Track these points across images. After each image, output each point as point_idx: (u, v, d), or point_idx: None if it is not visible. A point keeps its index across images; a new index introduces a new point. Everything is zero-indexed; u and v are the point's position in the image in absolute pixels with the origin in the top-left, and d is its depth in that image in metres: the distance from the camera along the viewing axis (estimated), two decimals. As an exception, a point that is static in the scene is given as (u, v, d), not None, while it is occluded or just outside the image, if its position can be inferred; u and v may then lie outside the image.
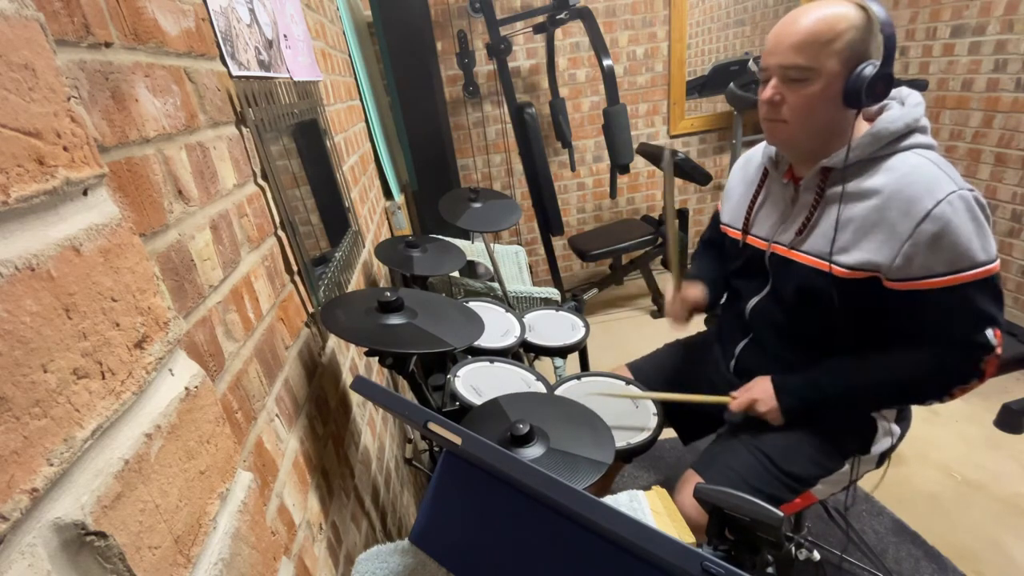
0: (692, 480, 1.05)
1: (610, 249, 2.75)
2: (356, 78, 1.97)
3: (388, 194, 2.25)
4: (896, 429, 1.07)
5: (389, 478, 1.29)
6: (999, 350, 0.86)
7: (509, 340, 1.25)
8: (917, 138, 0.90)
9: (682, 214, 2.95)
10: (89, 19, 0.42)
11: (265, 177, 0.79)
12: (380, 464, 1.23)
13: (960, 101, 2.54)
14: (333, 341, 1.03)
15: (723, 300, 1.28)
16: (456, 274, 1.84)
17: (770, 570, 0.64)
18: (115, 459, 0.30)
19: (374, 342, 0.81)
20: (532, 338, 1.33)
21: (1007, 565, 1.44)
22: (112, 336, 0.31)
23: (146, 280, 0.36)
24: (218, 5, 0.70)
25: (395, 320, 0.86)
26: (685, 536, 0.66)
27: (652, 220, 2.96)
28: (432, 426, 0.52)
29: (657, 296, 3.05)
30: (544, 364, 2.45)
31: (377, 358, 0.87)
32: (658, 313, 3.02)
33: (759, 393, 1.04)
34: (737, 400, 1.06)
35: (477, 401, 0.97)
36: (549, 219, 2.75)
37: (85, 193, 0.32)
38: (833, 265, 0.92)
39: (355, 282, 1.31)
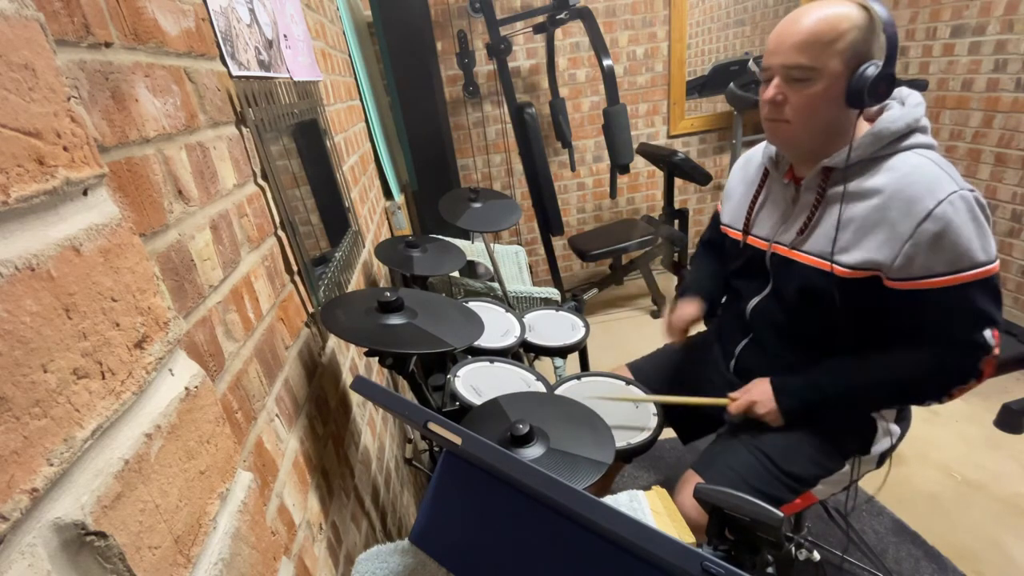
0: (692, 480, 1.05)
1: (610, 249, 2.75)
2: (356, 78, 1.97)
3: (388, 194, 2.25)
4: (896, 429, 1.07)
5: (389, 478, 1.29)
6: (997, 350, 0.86)
7: (509, 340, 1.25)
8: (918, 138, 0.90)
9: (682, 214, 2.95)
10: (89, 19, 0.42)
11: (265, 177, 0.79)
12: (380, 464, 1.23)
13: (960, 101, 2.54)
14: (333, 341, 1.03)
15: (723, 300, 1.28)
16: (456, 274, 1.84)
17: (770, 570, 0.64)
18: (115, 459, 0.30)
19: (374, 342, 0.81)
20: (532, 338, 1.33)
21: (1007, 565, 1.44)
22: (112, 336, 0.31)
23: (146, 280, 0.36)
24: (218, 5, 0.70)
25: (395, 320, 0.86)
26: (685, 536, 0.66)
27: (652, 220, 2.96)
28: (432, 426, 0.52)
29: (657, 296, 3.05)
30: (544, 364, 2.45)
31: (377, 358, 0.87)
32: (658, 313, 3.02)
33: (758, 395, 1.04)
34: (735, 402, 1.06)
35: (477, 401, 0.97)
36: (549, 219, 2.75)
37: (85, 193, 0.32)
38: (835, 265, 0.92)
39: (355, 282, 1.31)
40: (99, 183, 0.33)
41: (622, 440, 0.97)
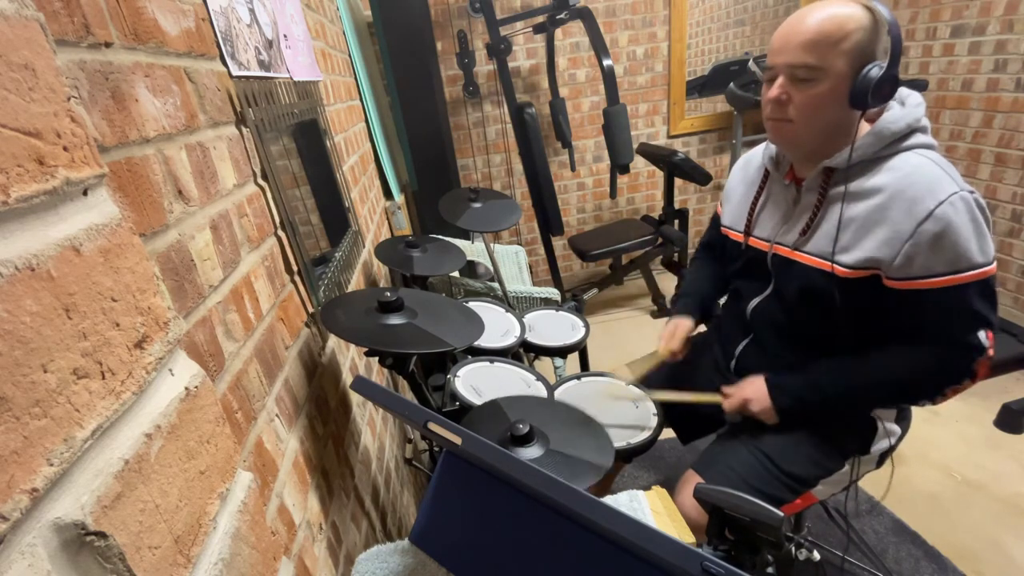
0: (692, 480, 1.05)
1: (610, 249, 2.75)
2: (356, 78, 1.97)
3: (388, 194, 2.25)
4: (896, 429, 1.07)
5: (389, 478, 1.29)
6: (991, 351, 0.87)
7: (509, 340, 1.25)
8: (918, 138, 0.90)
9: (682, 214, 2.95)
10: (89, 19, 0.42)
11: (265, 177, 0.79)
12: (380, 464, 1.23)
13: (960, 101, 2.54)
14: (333, 341, 1.03)
15: (723, 301, 1.28)
16: (456, 274, 1.84)
17: (770, 570, 0.64)
18: (115, 459, 0.30)
19: (374, 342, 0.81)
20: (532, 338, 1.33)
21: (1007, 565, 1.44)
22: (112, 336, 0.31)
23: (146, 280, 0.36)
24: (218, 5, 0.70)
25: (395, 320, 0.86)
26: (685, 536, 0.66)
27: (652, 220, 2.96)
28: (432, 426, 0.52)
29: (657, 296, 3.05)
30: (544, 364, 2.45)
31: (377, 358, 0.87)
32: (658, 313, 3.02)
33: (752, 392, 1.04)
34: (730, 400, 1.06)
35: (477, 401, 0.97)
36: (549, 219, 2.75)
37: (85, 193, 0.32)
38: (835, 265, 0.92)
39: (355, 282, 1.31)
40: (99, 183, 0.33)
41: (622, 440, 0.97)
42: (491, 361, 1.15)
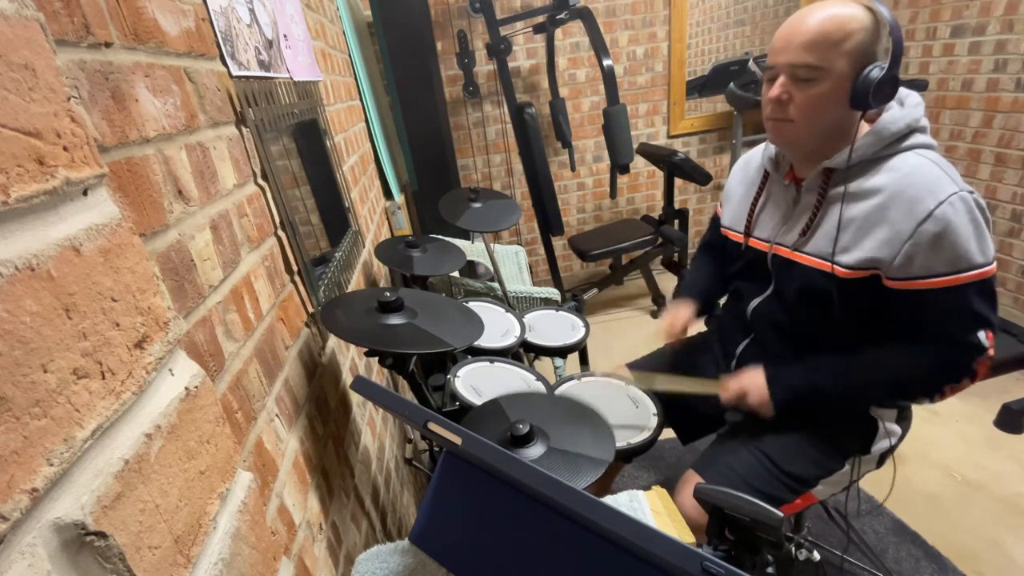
0: (692, 480, 1.05)
1: (610, 249, 2.75)
2: (356, 78, 1.97)
3: (388, 194, 2.25)
4: (897, 429, 1.07)
5: (389, 478, 1.29)
6: (991, 351, 0.87)
7: (509, 340, 1.25)
8: (918, 138, 0.90)
9: (682, 214, 2.95)
10: (89, 19, 0.42)
11: (265, 177, 0.79)
12: (380, 464, 1.23)
13: (960, 101, 2.54)
14: (333, 341, 1.03)
15: (724, 301, 1.28)
16: (456, 274, 1.84)
17: (770, 570, 0.64)
18: (115, 459, 0.30)
19: (374, 342, 0.81)
20: (532, 338, 1.33)
21: (1007, 565, 1.44)
22: (112, 336, 0.31)
23: (146, 280, 0.36)
24: (218, 5, 0.70)
25: (395, 320, 0.86)
26: (685, 536, 0.66)
27: (652, 220, 2.96)
28: (432, 426, 0.52)
29: (657, 296, 3.05)
30: (544, 364, 2.45)
31: (377, 358, 0.87)
32: (658, 313, 3.02)
33: (750, 384, 1.03)
34: (727, 391, 1.05)
35: (477, 401, 0.97)
36: (549, 219, 2.75)
37: (85, 193, 0.32)
38: (835, 266, 0.92)
39: (355, 282, 1.31)
40: (99, 183, 0.33)
41: (622, 440, 0.96)
42: (491, 361, 1.15)
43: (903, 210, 0.85)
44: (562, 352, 1.34)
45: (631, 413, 1.06)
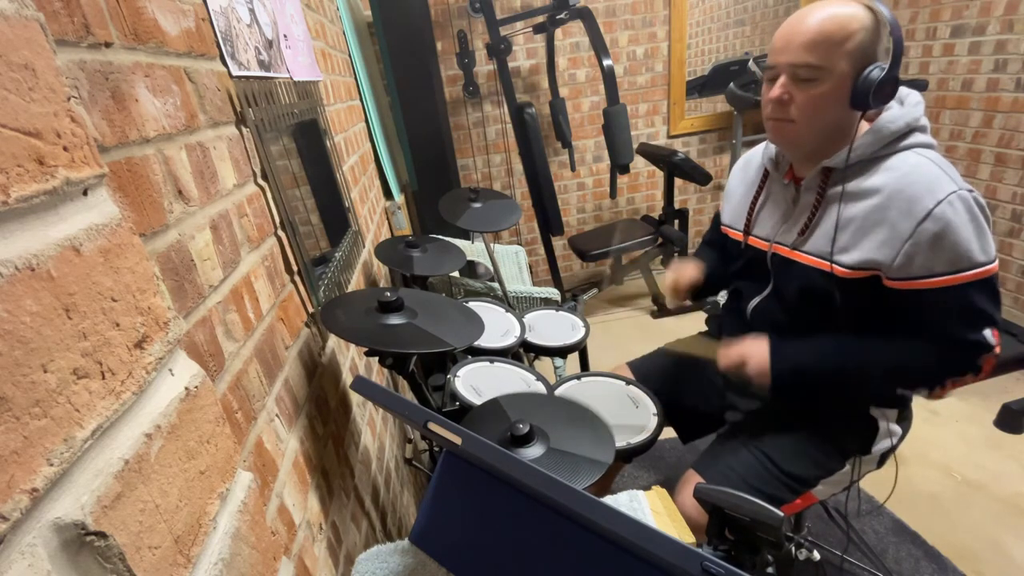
0: (692, 480, 1.05)
1: (610, 249, 2.75)
2: (356, 78, 1.97)
3: (388, 194, 2.25)
4: (897, 429, 1.07)
5: (389, 478, 1.29)
6: (998, 349, 0.86)
7: (509, 340, 1.25)
8: (917, 137, 0.90)
9: (682, 214, 2.95)
10: (89, 19, 0.42)
11: (265, 177, 0.79)
12: (380, 464, 1.23)
13: (960, 101, 2.54)
14: (333, 341, 1.03)
15: (724, 301, 1.28)
16: (456, 274, 1.84)
17: (770, 570, 0.64)
18: (115, 459, 0.30)
19: (374, 342, 0.81)
20: (532, 338, 1.33)
21: (1007, 565, 1.44)
22: (112, 336, 0.31)
23: (146, 280, 0.36)
24: (218, 5, 0.70)
25: (395, 320, 0.86)
26: (685, 536, 0.66)
27: (652, 220, 2.96)
28: (432, 426, 0.52)
29: (657, 296, 3.05)
30: (544, 364, 2.45)
31: (377, 358, 0.87)
32: (658, 313, 3.02)
33: (751, 351, 1.00)
34: (727, 354, 1.02)
35: (477, 401, 0.97)
36: (549, 219, 2.75)
37: (85, 193, 0.32)
38: (834, 265, 0.92)
39: (355, 282, 1.31)
40: (99, 183, 0.33)
41: (622, 440, 0.96)
42: (491, 361, 1.15)
43: (902, 210, 0.85)
44: (562, 352, 1.34)
45: (631, 413, 1.06)
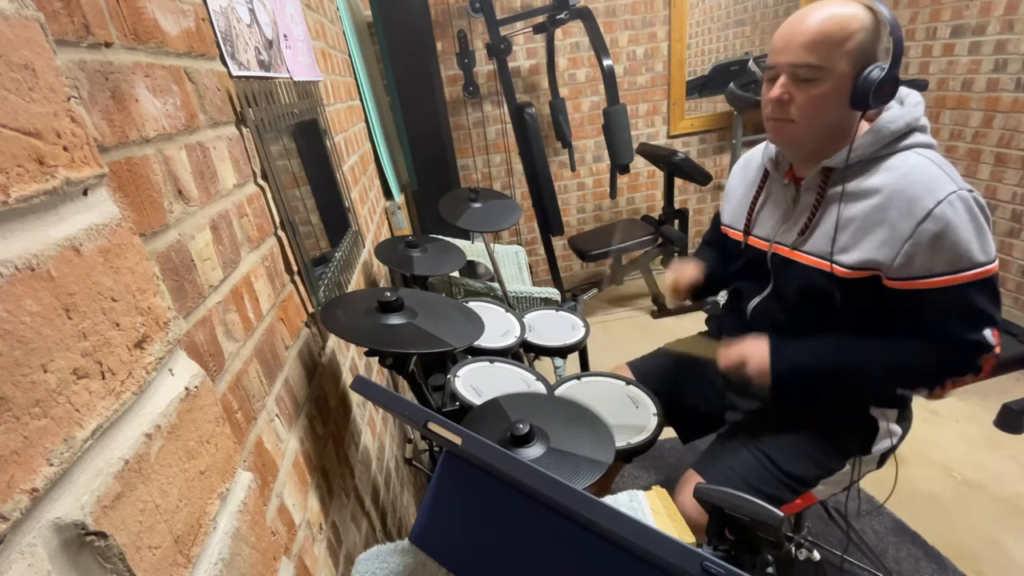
0: (692, 480, 1.05)
1: (610, 249, 2.75)
2: (356, 78, 1.97)
3: (388, 194, 2.25)
4: (897, 430, 1.07)
5: (389, 478, 1.29)
6: (998, 349, 0.86)
7: (509, 340, 1.25)
8: (917, 137, 0.90)
9: (682, 214, 2.95)
10: (89, 19, 0.42)
11: (265, 177, 0.79)
12: (380, 464, 1.23)
13: (960, 101, 2.54)
14: (333, 341, 1.03)
15: (724, 302, 1.28)
16: (456, 274, 1.84)
17: (770, 570, 0.64)
18: (115, 459, 0.30)
19: (374, 342, 0.81)
20: (532, 338, 1.33)
21: (1007, 565, 1.44)
22: (112, 336, 0.31)
23: (146, 280, 0.36)
24: (218, 5, 0.70)
25: (395, 320, 0.86)
26: (685, 536, 0.66)
27: (652, 220, 2.96)
28: (432, 426, 0.52)
29: (657, 296, 3.05)
30: (544, 364, 2.45)
31: (377, 358, 0.87)
32: (658, 313, 3.02)
33: (751, 351, 1.00)
34: (727, 354, 1.02)
35: (477, 401, 0.97)
36: (549, 219, 2.75)
37: (85, 193, 0.32)
38: (834, 265, 0.92)
39: (355, 282, 1.31)
40: (99, 183, 0.33)
41: (622, 440, 0.96)
42: (491, 361, 1.15)
43: (902, 210, 0.85)
44: (562, 352, 1.34)
45: (631, 413, 1.06)
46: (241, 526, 0.42)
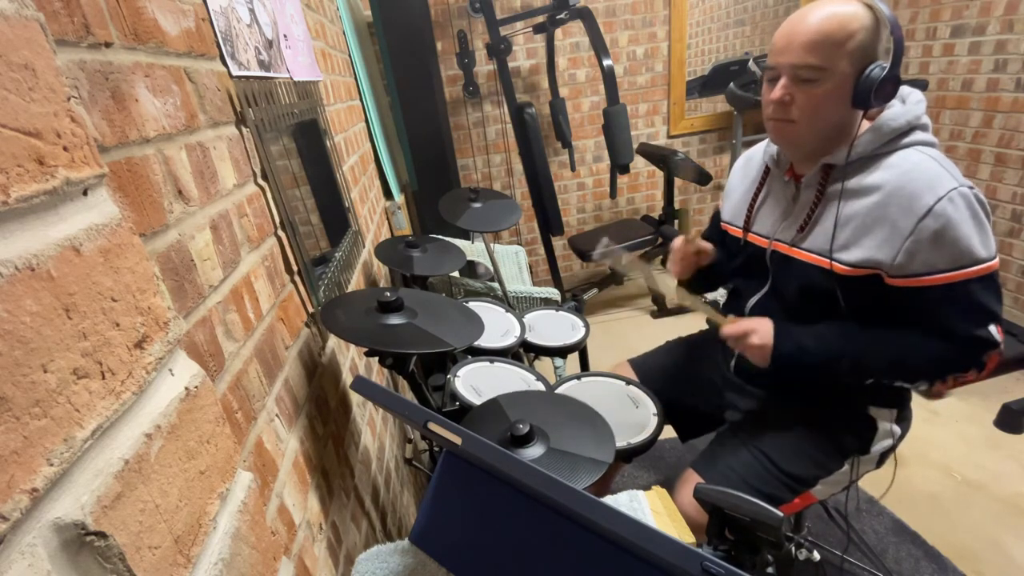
0: (692, 480, 1.05)
1: (610, 250, 2.75)
2: (356, 78, 1.97)
3: (388, 194, 2.25)
4: (896, 429, 1.07)
5: (389, 478, 1.29)
6: (1002, 345, 0.86)
7: (509, 340, 1.25)
8: (918, 135, 0.90)
9: (682, 214, 2.95)
10: (89, 19, 0.42)
11: (265, 177, 0.79)
12: (380, 464, 1.23)
13: (960, 101, 2.54)
14: (333, 341, 1.03)
15: (723, 301, 1.28)
16: (456, 274, 1.84)
17: (770, 570, 0.64)
18: (115, 459, 0.30)
19: (374, 342, 0.81)
20: (532, 338, 1.33)
21: (1007, 565, 1.44)
22: (112, 336, 0.31)
23: (146, 280, 0.36)
24: (218, 5, 0.70)
25: (395, 320, 0.86)
26: (685, 536, 0.66)
27: (652, 220, 2.96)
28: (432, 426, 0.52)
29: (657, 296, 3.05)
30: (544, 364, 2.45)
31: (377, 358, 0.87)
32: (658, 313, 3.02)
33: (757, 325, 0.99)
34: (731, 327, 1.01)
35: (477, 401, 0.97)
36: (549, 219, 2.75)
37: (85, 193, 0.32)
38: (834, 262, 0.92)
39: (355, 282, 1.31)
40: (99, 183, 0.33)
41: (622, 440, 0.96)
42: (491, 361, 1.15)
43: (903, 207, 0.85)
44: (562, 352, 1.34)
45: (631, 413, 1.06)
46: (241, 526, 0.42)
